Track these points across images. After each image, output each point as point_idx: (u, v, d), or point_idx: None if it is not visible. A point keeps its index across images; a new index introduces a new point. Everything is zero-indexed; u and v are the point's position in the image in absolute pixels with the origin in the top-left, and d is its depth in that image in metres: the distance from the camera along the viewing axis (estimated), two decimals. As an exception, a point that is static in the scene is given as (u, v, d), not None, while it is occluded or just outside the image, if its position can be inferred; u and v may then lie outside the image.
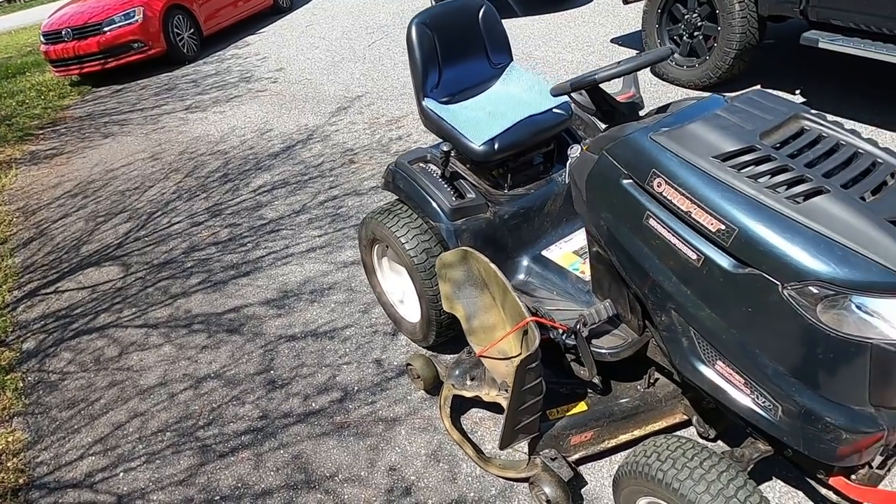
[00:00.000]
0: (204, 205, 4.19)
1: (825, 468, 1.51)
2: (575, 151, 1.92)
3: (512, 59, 2.53)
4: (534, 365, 1.61)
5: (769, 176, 1.37)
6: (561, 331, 1.80)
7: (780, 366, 1.35)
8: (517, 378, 1.60)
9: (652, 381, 2.00)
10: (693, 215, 1.42)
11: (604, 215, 1.68)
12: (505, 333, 1.82)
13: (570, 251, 2.28)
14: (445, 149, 2.13)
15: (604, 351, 1.84)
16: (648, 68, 4.92)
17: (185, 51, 8.07)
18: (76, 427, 2.55)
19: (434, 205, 2.19)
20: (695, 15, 4.37)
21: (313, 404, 2.42)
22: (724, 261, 1.37)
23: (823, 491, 1.61)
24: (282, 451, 2.25)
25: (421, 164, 2.33)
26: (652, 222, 1.52)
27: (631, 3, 5.01)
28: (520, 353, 1.90)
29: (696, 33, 4.42)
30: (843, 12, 3.54)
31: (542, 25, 6.49)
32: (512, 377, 1.97)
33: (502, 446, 1.76)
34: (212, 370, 2.70)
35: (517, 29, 6.48)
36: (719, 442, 1.98)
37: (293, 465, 2.19)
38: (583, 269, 2.17)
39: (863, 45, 3.48)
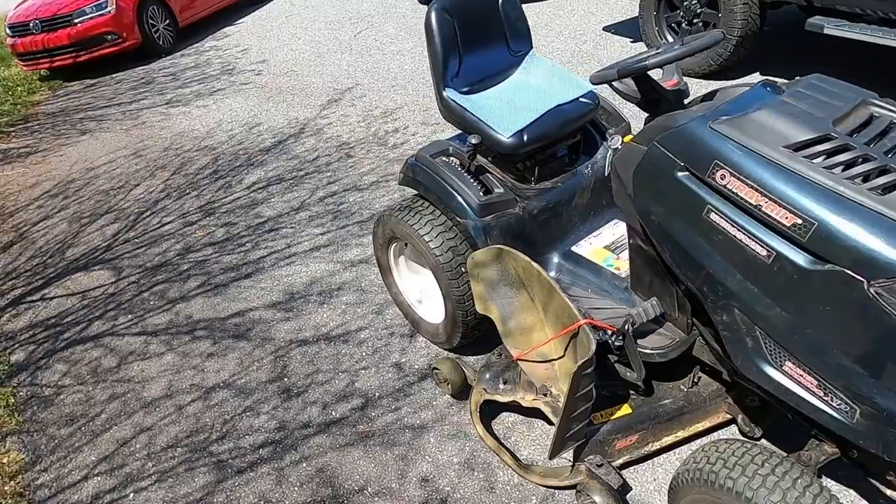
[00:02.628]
0: (195, 203, 4.01)
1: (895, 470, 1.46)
2: (616, 142, 1.82)
3: (532, 48, 2.42)
4: (589, 370, 1.52)
5: (845, 167, 1.29)
6: (609, 332, 1.71)
7: (860, 367, 1.28)
8: (573, 385, 1.51)
9: (695, 379, 1.93)
10: (764, 209, 1.34)
11: (654, 210, 1.59)
12: (552, 336, 1.73)
13: (600, 246, 2.19)
14: (474, 141, 2.01)
15: (651, 351, 1.76)
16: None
17: (160, 43, 7.77)
18: (77, 445, 2.38)
19: (461, 200, 2.07)
20: (694, 1, 4.31)
21: (333, 413, 2.30)
22: (799, 257, 1.29)
23: (888, 492, 1.56)
24: (304, 465, 2.13)
25: (443, 158, 2.21)
26: (713, 217, 1.44)
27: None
28: (562, 356, 1.81)
29: (695, 20, 4.36)
30: (849, -3, 3.50)
31: (532, 14, 6.38)
32: (553, 381, 1.89)
33: (552, 455, 1.67)
34: (220, 379, 2.56)
35: (507, 17, 6.36)
36: (763, 441, 1.92)
37: (318, 479, 2.07)
38: (617, 266, 2.08)
39: (870, 31, 3.45)
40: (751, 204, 1.36)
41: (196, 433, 2.32)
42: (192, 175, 4.41)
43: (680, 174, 1.50)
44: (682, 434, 1.90)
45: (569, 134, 2.22)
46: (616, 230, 2.25)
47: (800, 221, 1.28)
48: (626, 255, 2.13)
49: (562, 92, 2.21)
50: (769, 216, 1.33)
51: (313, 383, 2.45)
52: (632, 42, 5.24)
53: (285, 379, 2.49)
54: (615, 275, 2.05)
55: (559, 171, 2.28)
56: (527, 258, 1.75)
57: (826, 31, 3.60)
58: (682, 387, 1.94)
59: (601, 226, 2.28)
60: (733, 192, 1.39)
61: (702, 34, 1.68)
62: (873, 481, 1.58)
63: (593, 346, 1.50)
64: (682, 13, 4.41)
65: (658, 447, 1.89)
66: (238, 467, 2.16)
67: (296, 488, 2.05)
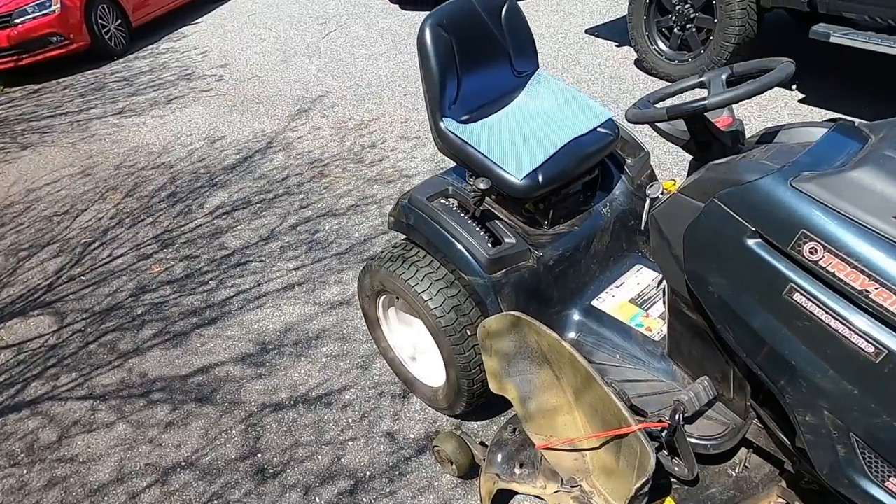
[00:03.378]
0: (151, 232, 3.59)
1: None
2: (655, 191, 1.53)
3: (538, 67, 2.12)
4: (646, 490, 1.23)
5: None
6: (660, 428, 1.42)
7: None
8: (627, 508, 1.21)
9: (746, 464, 1.66)
10: (872, 297, 1.06)
11: (713, 280, 1.30)
12: (591, 434, 1.43)
13: (625, 300, 1.90)
14: (483, 187, 1.69)
15: (701, 441, 1.48)
16: (635, 60, 4.60)
17: (112, 44, 7.21)
18: (7, 548, 2.00)
19: (466, 254, 1.76)
20: (687, 6, 4.07)
21: (317, 499, 1.96)
22: (920, 359, 1.02)
23: None
24: (285, 571, 1.79)
25: (441, 200, 1.89)
26: (798, 298, 1.15)
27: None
28: (597, 448, 1.52)
29: (688, 25, 4.12)
30: (858, 4, 3.30)
31: (511, 15, 6.08)
32: (584, 473, 1.59)
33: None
34: (181, 457, 2.19)
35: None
36: (822, 527, 1.66)
37: (302, 589, 1.74)
38: (648, 325, 1.80)
39: (879, 41, 3.25)
40: (853, 288, 1.08)
41: (153, 530, 1.96)
42: (146, 198, 3.97)
43: (750, 241, 1.21)
44: (731, 526, 1.63)
45: (587, 171, 1.92)
46: (640, 279, 1.96)
47: (925, 316, 1.00)
48: (654, 310, 1.86)
49: (577, 121, 1.91)
50: (879, 306, 1.05)
51: (292, 460, 2.10)
52: (617, 46, 4.99)
53: (259, 455, 2.14)
54: (647, 338, 1.76)
55: (574, 211, 1.99)
56: (555, 335, 1.44)
57: (832, 40, 3.39)
58: (730, 471, 1.66)
59: (623, 273, 1.99)
60: (828, 272, 1.11)
61: (766, 61, 1.39)
62: None
63: (652, 462, 1.21)
64: (673, 18, 4.17)
65: (705, 543, 1.61)
66: (204, 576, 1.81)
67: None
